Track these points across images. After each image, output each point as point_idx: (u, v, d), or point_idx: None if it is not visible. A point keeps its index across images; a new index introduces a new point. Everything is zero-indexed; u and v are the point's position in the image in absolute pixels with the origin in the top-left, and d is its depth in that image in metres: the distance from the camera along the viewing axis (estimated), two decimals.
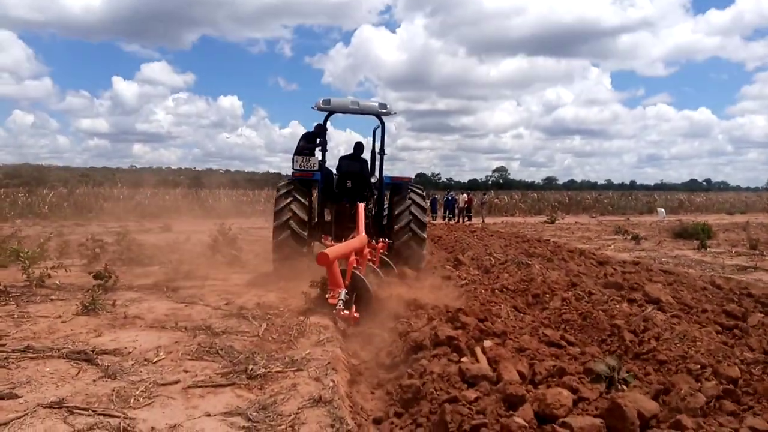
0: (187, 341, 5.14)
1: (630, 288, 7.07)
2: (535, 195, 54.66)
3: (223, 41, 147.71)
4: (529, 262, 8.87)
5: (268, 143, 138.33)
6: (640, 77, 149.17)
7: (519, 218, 39.87)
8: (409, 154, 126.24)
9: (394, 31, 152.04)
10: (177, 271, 8.62)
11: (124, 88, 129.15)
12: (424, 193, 9.83)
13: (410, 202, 9.14)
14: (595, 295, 6.43)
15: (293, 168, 9.46)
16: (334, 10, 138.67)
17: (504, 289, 7.21)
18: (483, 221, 32.70)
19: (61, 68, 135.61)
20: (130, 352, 4.83)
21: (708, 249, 13.55)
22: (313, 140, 9.85)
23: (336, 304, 5.79)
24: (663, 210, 43.49)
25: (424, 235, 9.13)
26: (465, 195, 36.09)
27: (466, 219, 33.53)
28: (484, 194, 39.03)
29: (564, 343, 4.83)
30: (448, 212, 35.87)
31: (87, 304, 6.25)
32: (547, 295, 6.62)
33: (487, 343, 4.40)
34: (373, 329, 5.69)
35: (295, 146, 9.77)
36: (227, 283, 8.17)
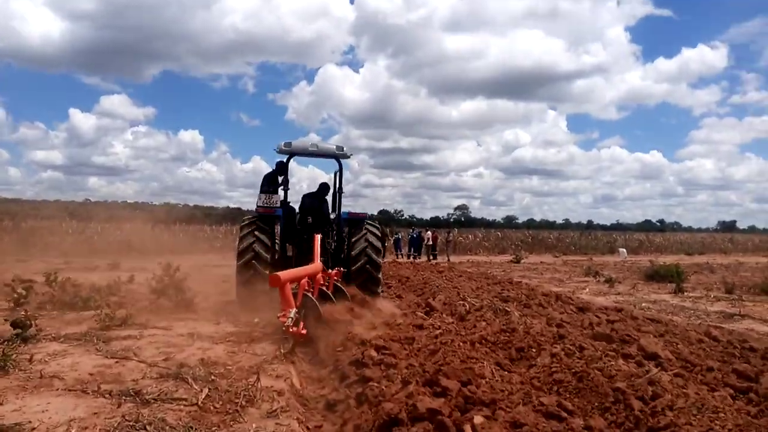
0: (109, 412, 4.19)
1: (621, 341, 6.40)
2: (498, 233, 54.65)
3: (185, 76, 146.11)
4: (507, 309, 8.16)
5: (228, 178, 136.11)
6: (594, 120, 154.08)
7: (483, 257, 39.49)
8: (371, 191, 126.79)
9: (357, 71, 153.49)
10: (113, 317, 7.56)
11: (82, 120, 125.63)
12: (380, 228, 10.54)
13: (365, 233, 9.84)
14: (586, 350, 5.72)
15: (257, 205, 9.99)
16: (298, 49, 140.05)
17: (483, 341, 6.45)
18: (448, 260, 32.12)
19: (15, 98, 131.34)
20: (33, 429, 3.87)
21: (685, 293, 13.17)
22: (274, 179, 10.48)
23: (285, 323, 6.12)
24: (624, 250, 43.91)
25: (380, 261, 9.93)
26: (429, 232, 35.55)
27: (431, 257, 32.91)
28: (449, 232, 38.53)
29: (564, 414, 4.07)
30: (413, 250, 35.22)
31: None
32: (533, 349, 5.88)
33: (478, 419, 3.61)
34: (336, 394, 4.83)
35: (260, 185, 10.37)
36: (169, 332, 7.16)
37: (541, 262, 31.40)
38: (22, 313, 6.75)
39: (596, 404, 4.45)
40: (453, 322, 7.59)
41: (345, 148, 10.40)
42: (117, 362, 5.67)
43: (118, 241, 32.01)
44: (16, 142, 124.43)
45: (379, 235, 10.19)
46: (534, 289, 11.94)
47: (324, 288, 8.03)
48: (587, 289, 13.84)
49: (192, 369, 5.33)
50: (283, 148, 10.04)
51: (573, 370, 5.13)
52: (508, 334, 6.61)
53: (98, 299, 9.29)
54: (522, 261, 30.46)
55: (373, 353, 5.50)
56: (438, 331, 6.82)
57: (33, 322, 6.57)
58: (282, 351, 5.94)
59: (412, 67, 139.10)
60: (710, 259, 35.38)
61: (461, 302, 8.98)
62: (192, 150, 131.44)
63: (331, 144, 10.53)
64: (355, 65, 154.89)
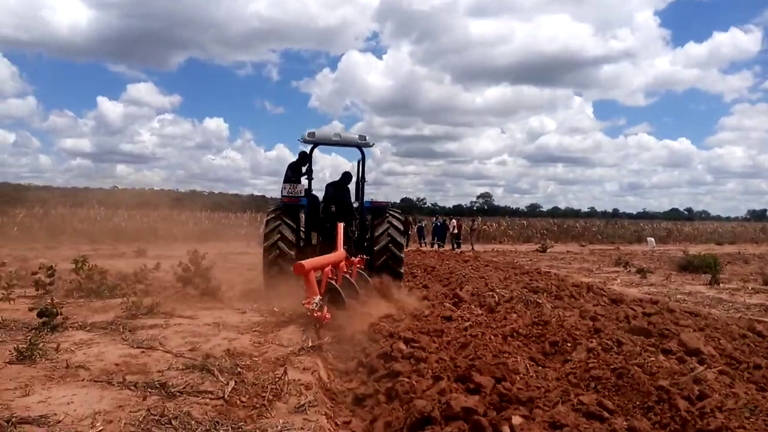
0: (134, 405, 4.09)
1: (660, 335, 6.14)
2: (524, 222, 54.01)
3: (210, 64, 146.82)
4: (539, 301, 7.92)
5: (253, 165, 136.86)
6: (621, 106, 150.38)
7: (508, 245, 39.07)
8: (394, 179, 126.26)
9: (380, 57, 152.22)
10: (140, 305, 7.52)
11: (109, 108, 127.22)
12: (402, 217, 10.69)
13: (388, 224, 9.96)
14: (624, 345, 5.48)
15: (281, 195, 10.15)
16: (322, 36, 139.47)
17: (515, 334, 6.25)
18: (473, 249, 31.81)
19: (45, 87, 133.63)
20: (59, 421, 3.79)
21: (720, 284, 12.73)
22: (298, 168, 10.80)
23: (310, 308, 6.34)
24: (652, 239, 42.99)
25: (402, 255, 10.10)
26: (455, 221, 35.21)
27: (455, 246, 32.63)
28: (473, 220, 38.08)
29: (605, 414, 3.87)
30: (437, 238, 34.95)
31: (23, 350, 5.20)
32: (568, 344, 5.66)
33: (516, 419, 3.43)
34: (364, 388, 4.69)
35: (284, 174, 10.70)
36: (195, 321, 7.09)
37: (567, 251, 30.92)
38: (48, 301, 6.73)
39: (638, 403, 4.24)
40: (482, 314, 7.39)
41: (367, 137, 10.50)
42: (143, 352, 5.60)
43: (144, 228, 32.38)
44: (46, 131, 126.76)
45: (402, 224, 10.33)
46: (564, 280, 11.66)
47: (347, 275, 8.19)
48: (618, 280, 13.48)
49: (218, 360, 5.23)
50: (307, 137, 10.17)
51: (611, 367, 4.91)
52: (540, 327, 6.39)
53: (125, 287, 9.30)
54: (548, 250, 30.03)
55: (402, 346, 5.35)
56: (467, 323, 6.64)
57: (59, 311, 6.55)
58: (309, 343, 5.81)
59: (436, 54, 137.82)
60: (741, 249, 34.45)
61: (490, 293, 8.77)
62: (217, 138, 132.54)
63: (354, 133, 10.62)
64: (379, 52, 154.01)
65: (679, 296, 10.74)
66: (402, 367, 4.78)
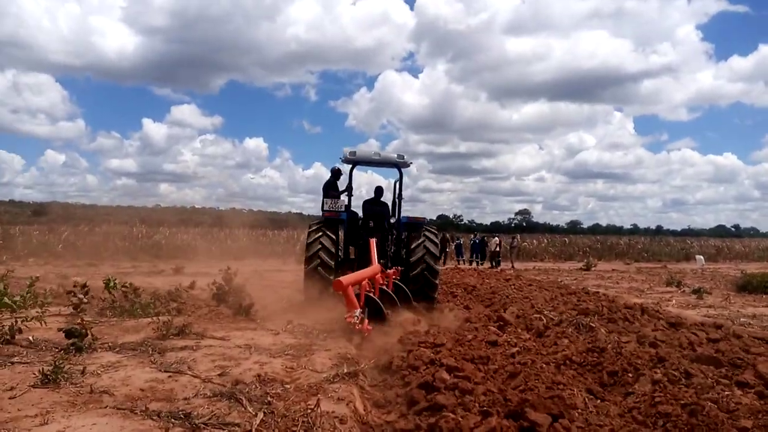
0: None
1: (732, 365, 5.53)
2: (566, 239, 52.66)
3: (250, 86, 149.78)
4: (592, 324, 7.34)
5: (291, 184, 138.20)
6: (663, 122, 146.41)
7: (550, 263, 38.01)
8: (430, 196, 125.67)
9: (416, 76, 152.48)
10: (171, 325, 7.28)
11: (154, 129, 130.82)
12: (438, 234, 11.02)
13: (424, 238, 10.25)
14: (694, 377, 4.92)
15: (323, 209, 10.53)
16: (359, 56, 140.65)
17: (568, 362, 5.74)
18: (513, 267, 31.00)
19: (93, 110, 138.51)
20: None
21: None
22: (334, 186, 11.34)
23: (352, 321, 6.75)
24: (701, 257, 41.14)
25: (438, 268, 10.36)
26: (496, 238, 34.46)
27: (494, 264, 31.87)
28: (513, 238, 37.21)
29: None
30: (476, 256, 34.27)
31: (47, 373, 4.97)
32: (629, 374, 5.12)
33: None
34: (404, 423, 4.26)
35: (321, 192, 11.24)
36: (226, 343, 6.79)
37: (612, 269, 29.80)
38: (78, 321, 6.53)
39: None
40: (530, 339, 6.89)
41: (405, 157, 10.93)
42: (170, 376, 5.31)
43: (184, 245, 32.68)
44: (93, 151, 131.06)
45: (437, 240, 10.63)
46: (614, 301, 10.98)
47: (384, 287, 8.64)
48: (673, 301, 12.65)
49: (247, 386, 4.90)
50: (349, 156, 10.61)
51: (681, 402, 4.38)
52: (596, 354, 5.86)
53: (158, 306, 9.11)
54: (592, 268, 28.99)
55: (445, 375, 4.91)
56: (515, 349, 6.15)
57: (89, 331, 6.34)
58: (345, 369, 5.41)
59: (472, 72, 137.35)
60: None
61: (537, 315, 8.23)
62: (256, 157, 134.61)
63: (392, 153, 11.02)
64: (415, 71, 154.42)
65: (742, 319, 9.93)
66: (446, 400, 4.35)
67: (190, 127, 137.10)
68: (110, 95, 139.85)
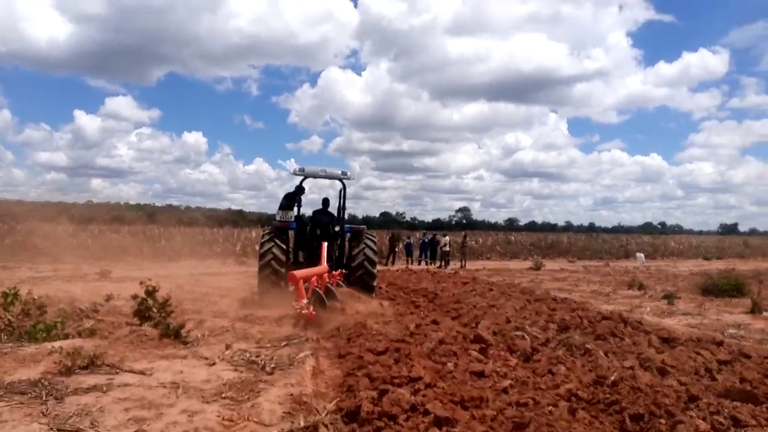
0: None
1: None
2: (511, 237, 52.80)
3: (189, 79, 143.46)
4: (588, 347, 6.36)
5: (231, 180, 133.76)
6: (594, 124, 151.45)
7: (496, 262, 37.70)
8: (373, 193, 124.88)
9: (359, 74, 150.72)
10: (79, 353, 5.79)
11: (86, 122, 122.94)
12: (375, 239, 12.79)
13: (364, 245, 11.87)
14: (746, 426, 3.95)
15: (275, 219, 12.26)
16: (302, 52, 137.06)
17: (573, 398, 4.70)
18: (463, 266, 30.34)
19: (21, 100, 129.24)
20: None
21: (765, 312, 11.20)
22: (293, 197, 12.61)
23: (299, 307, 8.17)
24: (642, 255, 42.11)
25: (375, 271, 11.94)
26: (447, 237, 33.74)
27: (443, 263, 31.10)
28: (465, 236, 36.55)
29: None
30: (425, 255, 33.48)
31: None
32: (661, 419, 4.10)
33: None
34: None
35: (279, 200, 12.69)
36: (147, 380, 5.36)
37: (561, 268, 29.60)
38: None
39: None
40: (518, 364, 5.83)
41: (348, 172, 12.60)
42: None
43: (113, 245, 30.26)
44: (21, 144, 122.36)
45: (375, 247, 12.21)
46: (587, 309, 10.14)
47: (329, 285, 9.74)
48: (648, 308, 11.95)
49: None
50: (298, 171, 12.29)
51: None
52: (607, 389, 4.84)
53: (67, 326, 7.54)
54: (542, 268, 28.65)
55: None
56: (507, 382, 5.07)
57: None
58: (301, 422, 4.15)
59: (415, 71, 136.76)
60: (729, 264, 33.37)
61: (518, 333, 7.19)
62: (195, 152, 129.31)
63: (337, 169, 12.61)
64: (358, 69, 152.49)
65: (730, 331, 9.22)
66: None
67: (125, 120, 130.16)
68: (40, 85, 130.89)
